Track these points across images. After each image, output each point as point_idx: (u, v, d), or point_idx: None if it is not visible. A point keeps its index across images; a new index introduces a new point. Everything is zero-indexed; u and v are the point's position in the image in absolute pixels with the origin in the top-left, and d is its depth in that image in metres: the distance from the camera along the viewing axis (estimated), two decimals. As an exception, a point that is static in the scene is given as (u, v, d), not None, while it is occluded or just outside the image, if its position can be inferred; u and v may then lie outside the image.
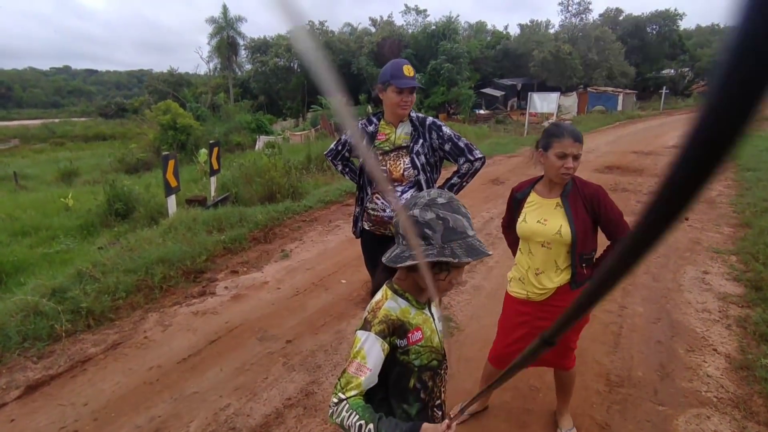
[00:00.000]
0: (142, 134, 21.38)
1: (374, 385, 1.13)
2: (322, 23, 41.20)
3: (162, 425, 2.38)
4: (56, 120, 51.46)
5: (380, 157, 2.32)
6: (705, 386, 2.59)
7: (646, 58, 37.82)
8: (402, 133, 2.33)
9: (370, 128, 2.39)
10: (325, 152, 2.66)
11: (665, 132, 16.00)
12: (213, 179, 7.40)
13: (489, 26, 46.34)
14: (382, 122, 2.38)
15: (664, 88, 32.31)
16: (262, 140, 21.49)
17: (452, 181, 2.39)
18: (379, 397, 1.19)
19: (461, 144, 2.35)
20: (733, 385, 2.59)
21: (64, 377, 2.79)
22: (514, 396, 2.55)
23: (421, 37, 35.44)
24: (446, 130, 2.36)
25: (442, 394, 1.32)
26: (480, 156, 2.37)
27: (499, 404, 2.48)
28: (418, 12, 40.39)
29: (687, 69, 40.02)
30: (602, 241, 1.92)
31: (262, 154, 9.81)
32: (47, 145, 34.43)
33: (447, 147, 2.34)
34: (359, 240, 2.59)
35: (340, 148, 2.55)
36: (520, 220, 2.01)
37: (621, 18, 39.99)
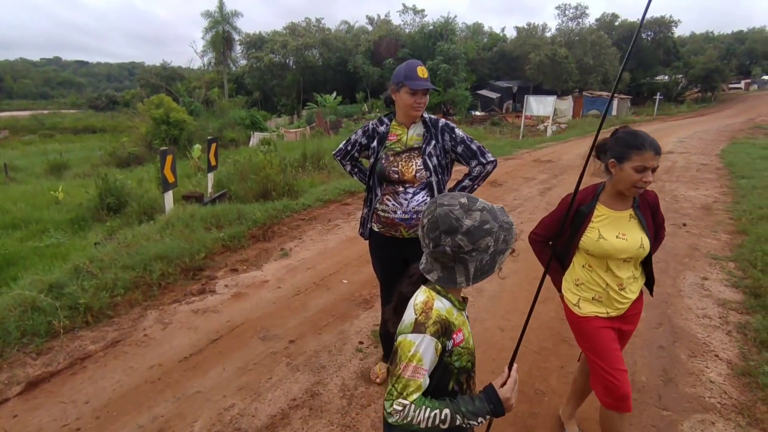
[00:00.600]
0: (133, 128, 21.04)
1: None
2: (318, 20, 41.12)
3: (165, 425, 2.35)
4: (45, 111, 50.82)
5: (391, 158, 2.30)
6: (708, 392, 2.61)
7: (641, 64, 38.28)
8: (414, 134, 2.31)
9: (381, 129, 2.37)
10: (333, 152, 2.62)
11: (659, 138, 15.83)
12: (210, 175, 7.33)
13: (486, 28, 46.65)
14: (393, 123, 2.36)
15: (658, 93, 32.67)
16: (256, 137, 21.37)
17: (464, 184, 2.38)
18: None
19: (474, 147, 2.35)
20: (736, 391, 2.61)
21: (64, 374, 2.74)
22: (520, 400, 2.54)
23: (418, 37, 35.51)
24: (459, 132, 2.36)
25: None
26: (492, 159, 2.36)
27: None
28: (416, 12, 40.48)
29: (681, 75, 40.59)
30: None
31: (257, 150, 9.73)
32: (36, 136, 33.96)
33: (459, 149, 2.33)
34: (366, 241, 2.55)
35: (349, 148, 2.52)
36: (592, 236, 1.84)
37: (617, 23, 40.44)
